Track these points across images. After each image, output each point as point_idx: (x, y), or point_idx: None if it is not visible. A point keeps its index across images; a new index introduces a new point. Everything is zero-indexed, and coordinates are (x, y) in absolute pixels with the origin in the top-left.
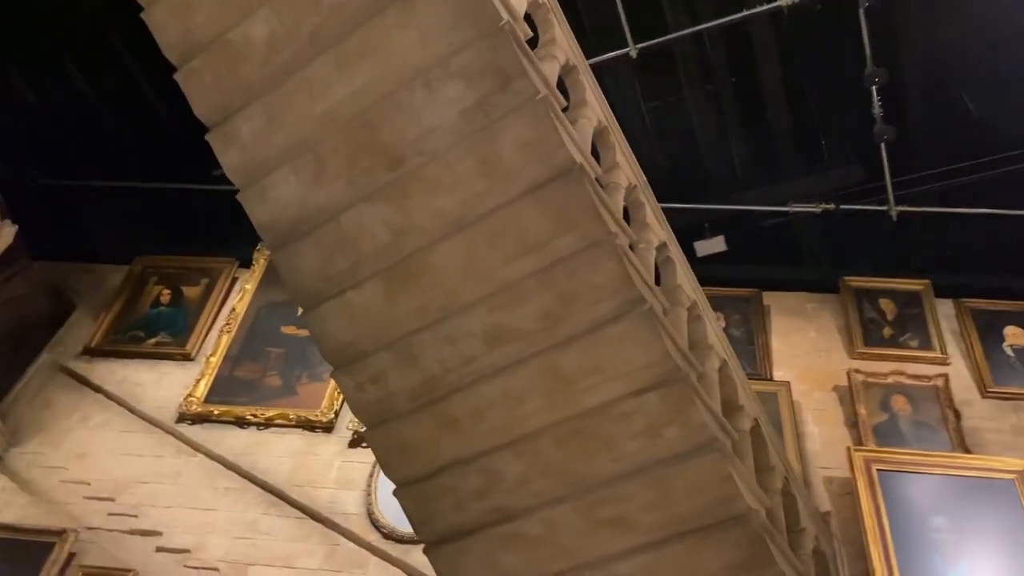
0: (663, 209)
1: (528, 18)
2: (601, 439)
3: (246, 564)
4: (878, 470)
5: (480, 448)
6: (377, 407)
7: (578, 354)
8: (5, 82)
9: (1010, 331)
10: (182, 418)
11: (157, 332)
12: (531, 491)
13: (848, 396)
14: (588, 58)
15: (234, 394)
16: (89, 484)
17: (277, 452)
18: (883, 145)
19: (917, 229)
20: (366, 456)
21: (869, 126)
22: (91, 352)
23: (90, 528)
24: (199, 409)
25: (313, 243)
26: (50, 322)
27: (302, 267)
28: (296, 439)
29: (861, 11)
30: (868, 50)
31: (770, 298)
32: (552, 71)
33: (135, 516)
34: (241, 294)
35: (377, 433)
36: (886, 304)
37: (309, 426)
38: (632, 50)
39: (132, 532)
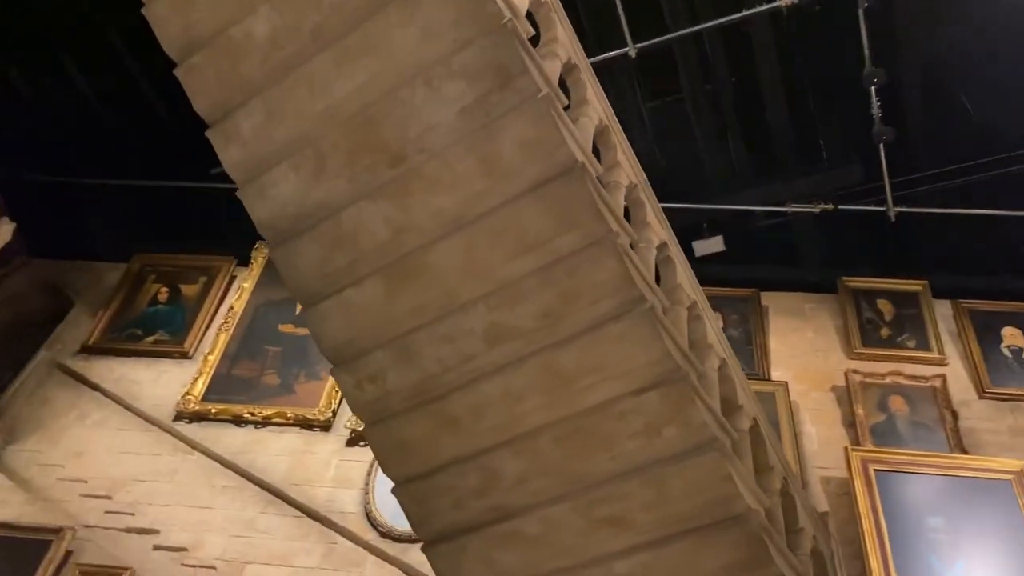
0: (661, 209)
1: (530, 17)
2: (600, 438)
3: (243, 562)
4: (875, 470)
5: (479, 446)
6: (376, 405)
7: (578, 353)
8: (4, 80)
9: (1008, 332)
10: (179, 416)
11: (155, 330)
12: (530, 490)
13: (846, 396)
14: (587, 58)
15: (232, 392)
16: (86, 482)
17: (275, 451)
18: (882, 146)
19: (915, 230)
20: (364, 455)
21: (868, 126)
22: (89, 350)
23: (87, 526)
24: (197, 407)
25: (313, 240)
26: (48, 320)
27: (301, 264)
28: (294, 438)
29: (860, 11)
30: (867, 50)
31: (768, 298)
32: (554, 69)
33: (132, 514)
34: (239, 292)
35: (376, 431)
36: (884, 305)
37: (307, 425)
38: (631, 50)
39: (129, 530)
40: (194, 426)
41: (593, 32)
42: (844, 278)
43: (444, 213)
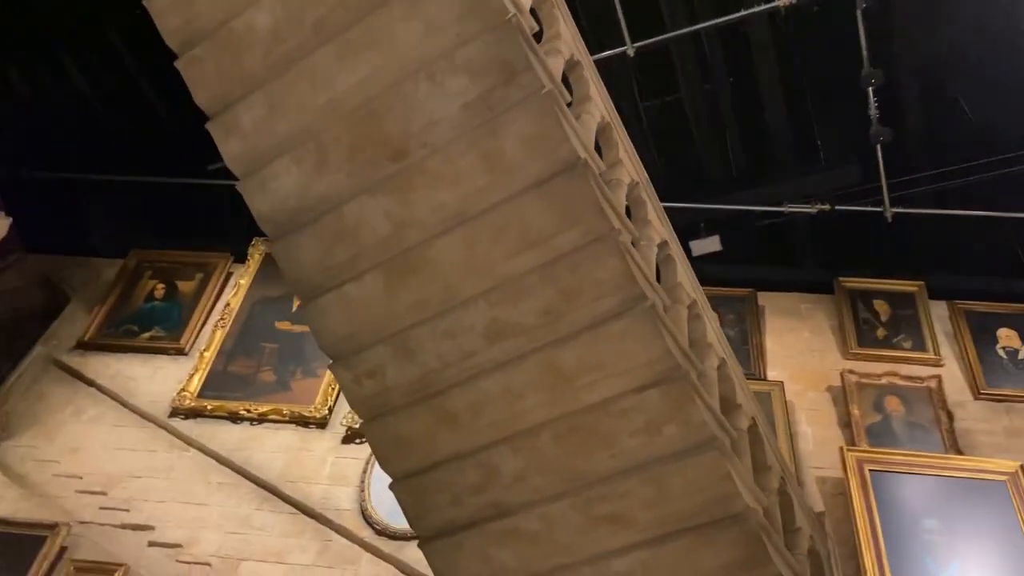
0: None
1: (533, 13)
2: (600, 436)
3: (239, 559)
4: (871, 470)
5: (478, 443)
6: (374, 400)
7: (579, 350)
8: (4, 80)
9: (1003, 333)
10: (175, 413)
11: (151, 326)
12: (529, 487)
13: (841, 396)
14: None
15: (228, 389)
16: (81, 478)
17: (270, 448)
18: (879, 146)
19: (912, 230)
20: (360, 452)
21: (865, 127)
22: (85, 346)
23: (82, 522)
24: (192, 404)
25: (313, 234)
26: (44, 315)
27: (301, 258)
28: (290, 435)
29: (858, 12)
30: (865, 51)
31: (764, 298)
32: (557, 66)
33: (127, 510)
34: (236, 289)
35: (374, 426)
36: (880, 305)
37: (303, 422)
38: (629, 49)
39: (124, 526)
40: (190, 423)
41: (592, 31)
42: (841, 278)
43: (446, 208)
